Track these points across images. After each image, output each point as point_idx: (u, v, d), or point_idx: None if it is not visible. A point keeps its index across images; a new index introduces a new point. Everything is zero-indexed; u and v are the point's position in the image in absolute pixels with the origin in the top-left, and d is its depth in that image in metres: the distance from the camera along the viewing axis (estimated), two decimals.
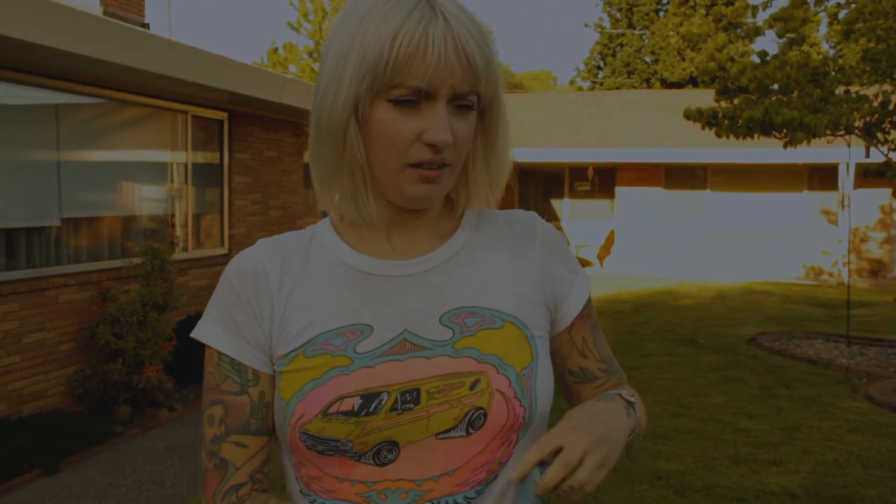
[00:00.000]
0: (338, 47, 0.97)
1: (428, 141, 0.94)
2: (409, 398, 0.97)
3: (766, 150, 14.43)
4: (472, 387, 0.99)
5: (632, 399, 1.08)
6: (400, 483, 0.98)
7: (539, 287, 1.09)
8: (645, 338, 9.51)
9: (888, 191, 15.62)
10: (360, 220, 1.05)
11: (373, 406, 0.96)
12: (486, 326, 1.02)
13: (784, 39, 8.45)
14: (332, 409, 0.96)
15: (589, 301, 1.15)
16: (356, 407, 0.96)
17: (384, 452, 0.97)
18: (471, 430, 0.98)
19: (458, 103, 0.96)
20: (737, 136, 8.35)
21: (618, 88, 30.36)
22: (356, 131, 0.98)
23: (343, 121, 0.97)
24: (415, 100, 0.94)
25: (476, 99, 0.98)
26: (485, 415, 0.98)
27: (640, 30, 31.82)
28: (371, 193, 1.02)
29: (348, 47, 0.96)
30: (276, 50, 24.68)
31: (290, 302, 1.03)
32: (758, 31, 8.75)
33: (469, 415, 0.98)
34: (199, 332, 1.06)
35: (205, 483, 1.04)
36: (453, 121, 0.96)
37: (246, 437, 1.03)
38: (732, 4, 10.13)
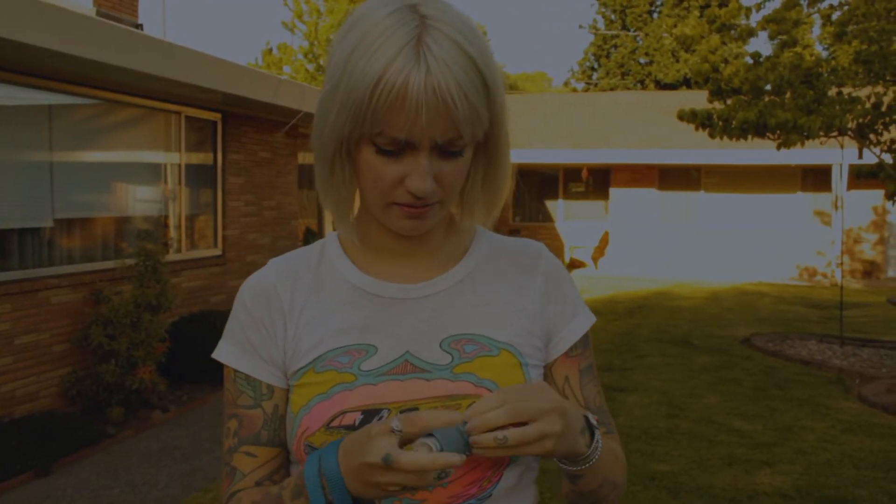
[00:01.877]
0: (331, 72, 0.98)
1: (409, 189, 0.96)
2: None
3: (759, 152, 14.47)
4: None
5: (595, 425, 1.03)
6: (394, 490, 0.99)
7: (536, 320, 1.11)
8: (639, 339, 9.53)
9: (881, 192, 15.67)
10: (354, 241, 1.10)
11: (373, 422, 0.99)
12: (483, 354, 1.05)
13: (777, 41, 8.47)
14: (335, 423, 1.00)
15: (584, 343, 1.15)
16: (357, 422, 1.00)
17: None
18: (468, 452, 1.00)
19: (444, 150, 0.95)
20: (730, 138, 8.37)
21: (612, 90, 30.41)
22: (341, 165, 1.01)
23: (330, 152, 1.00)
24: (396, 150, 0.94)
25: (466, 143, 0.97)
26: None
27: (633, 31, 31.88)
28: (357, 220, 1.08)
29: (338, 79, 0.95)
30: (270, 51, 24.65)
31: (301, 320, 1.07)
32: (751, 33, 8.78)
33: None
34: (217, 353, 1.11)
35: (221, 488, 1.11)
36: (440, 164, 0.96)
37: (256, 447, 1.07)
38: (726, 5, 10.14)
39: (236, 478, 1.07)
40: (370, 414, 1.00)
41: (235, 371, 1.09)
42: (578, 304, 1.16)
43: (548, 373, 1.13)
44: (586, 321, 1.16)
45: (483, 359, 1.05)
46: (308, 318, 1.07)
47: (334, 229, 1.15)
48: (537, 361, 1.10)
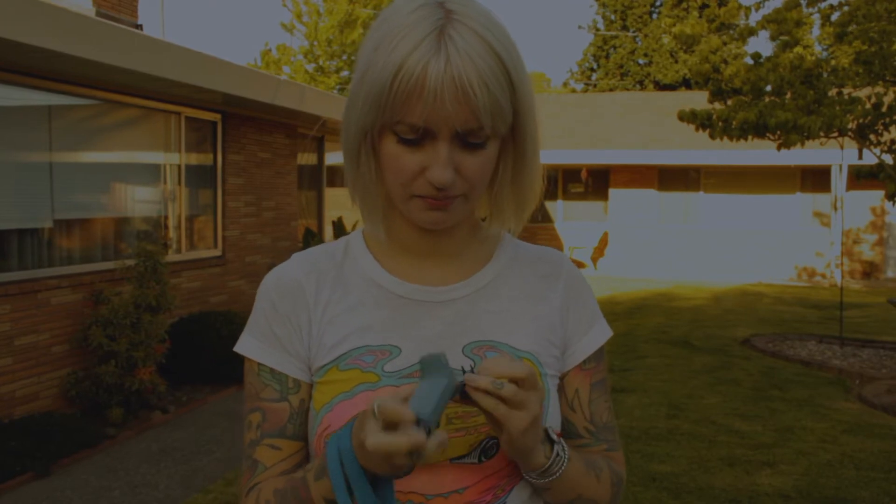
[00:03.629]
0: (359, 67, 0.99)
1: (428, 180, 0.95)
2: None
3: (759, 152, 14.47)
4: None
5: (555, 439, 1.01)
6: (410, 496, 1.00)
7: (555, 329, 1.11)
8: (639, 339, 9.52)
9: (880, 193, 15.69)
10: (380, 238, 1.09)
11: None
12: None
13: (778, 42, 8.47)
14: None
15: (598, 356, 1.15)
16: None
17: None
18: (483, 459, 1.01)
19: (465, 140, 0.95)
20: (731, 138, 8.37)
21: (611, 90, 30.40)
22: (367, 157, 1.01)
23: (356, 145, 1.01)
24: (417, 139, 0.94)
25: (488, 134, 0.96)
26: (497, 444, 1.01)
27: (633, 32, 31.88)
28: (383, 216, 1.07)
29: (364, 71, 0.96)
30: (269, 51, 24.65)
31: (325, 316, 1.07)
32: (751, 32, 8.77)
33: (483, 443, 1.01)
34: (240, 347, 1.10)
35: (241, 482, 1.09)
36: (461, 156, 0.96)
37: (281, 440, 1.06)
38: (725, 5, 10.16)
39: (258, 470, 1.06)
40: None
41: (259, 364, 1.07)
42: (596, 316, 1.16)
43: (560, 383, 1.13)
44: (602, 335, 1.16)
45: None
46: (332, 314, 1.07)
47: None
48: (554, 371, 1.10)
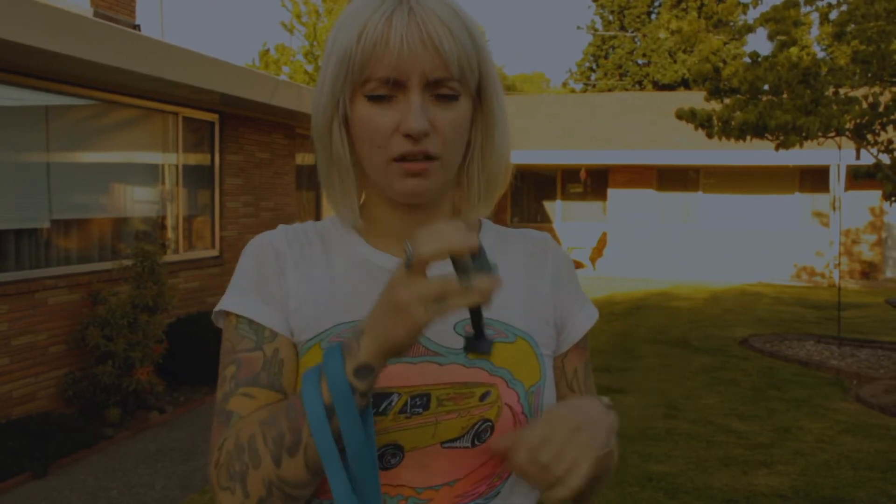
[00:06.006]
0: (324, 55, 1.01)
1: (403, 131, 0.94)
2: (418, 402, 0.96)
3: (757, 153, 14.47)
4: (482, 398, 0.98)
5: (609, 404, 1.02)
6: (400, 489, 0.96)
7: (549, 307, 1.09)
8: (637, 339, 9.52)
9: (878, 193, 15.70)
10: (356, 224, 1.05)
11: (382, 406, 0.95)
12: (498, 339, 1.02)
13: (776, 41, 8.46)
14: None
15: (587, 335, 1.14)
16: None
17: (388, 457, 0.96)
18: (476, 442, 0.98)
19: (437, 92, 0.95)
20: (729, 138, 8.36)
21: (610, 90, 30.41)
22: (339, 130, 1.00)
23: (327, 121, 1.00)
24: (388, 95, 0.94)
25: (458, 88, 0.96)
26: (492, 428, 0.98)
27: (631, 32, 31.89)
28: (357, 196, 1.04)
29: (329, 52, 0.98)
30: (267, 51, 24.62)
31: (306, 283, 1.03)
32: (749, 30, 8.77)
33: (476, 426, 0.98)
34: (219, 306, 1.04)
35: (212, 440, 0.99)
36: (434, 110, 0.95)
37: (255, 388, 0.98)
38: (723, 2, 10.17)
39: (232, 421, 0.96)
40: (379, 397, 0.94)
41: (238, 318, 1.01)
42: (583, 296, 1.16)
43: (558, 364, 1.11)
44: (594, 312, 1.15)
45: (498, 345, 1.01)
46: (314, 283, 1.03)
47: None
48: (549, 351, 1.08)
